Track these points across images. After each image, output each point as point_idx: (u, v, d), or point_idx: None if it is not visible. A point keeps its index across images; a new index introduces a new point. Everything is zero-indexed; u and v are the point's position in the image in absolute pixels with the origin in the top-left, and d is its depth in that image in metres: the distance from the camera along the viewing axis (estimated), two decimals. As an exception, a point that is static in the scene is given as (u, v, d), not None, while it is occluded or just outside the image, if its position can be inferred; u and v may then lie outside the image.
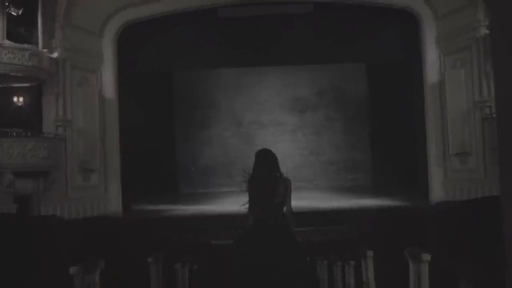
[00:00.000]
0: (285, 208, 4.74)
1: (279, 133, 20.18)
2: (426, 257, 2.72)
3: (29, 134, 11.93)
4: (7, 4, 11.79)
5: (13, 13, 11.89)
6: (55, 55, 12.70)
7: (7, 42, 11.68)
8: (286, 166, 18.30)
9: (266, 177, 4.76)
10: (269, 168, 4.88)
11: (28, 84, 12.84)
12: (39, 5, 12.51)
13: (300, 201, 14.66)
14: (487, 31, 12.47)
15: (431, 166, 13.93)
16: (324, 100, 20.17)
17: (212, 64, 16.13)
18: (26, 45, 11.98)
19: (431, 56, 13.97)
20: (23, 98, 12.80)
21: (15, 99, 12.72)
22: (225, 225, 11.97)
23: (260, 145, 20.25)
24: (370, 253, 3.53)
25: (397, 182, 16.65)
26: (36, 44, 12.41)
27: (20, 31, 12.35)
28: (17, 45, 11.79)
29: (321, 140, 20.16)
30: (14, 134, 11.64)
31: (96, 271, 3.75)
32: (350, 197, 15.29)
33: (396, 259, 3.42)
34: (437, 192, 13.80)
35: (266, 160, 4.97)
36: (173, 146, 19.15)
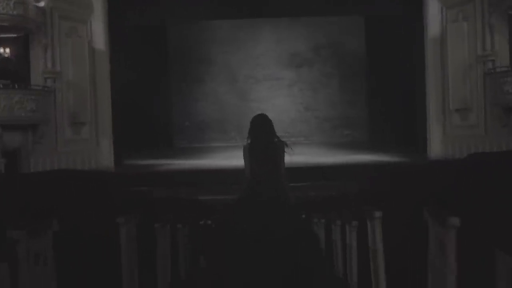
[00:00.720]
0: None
1: (275, 88, 19.60)
2: (455, 221, 2.23)
3: (16, 86, 11.33)
4: None
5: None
6: (42, 3, 11.98)
7: (-10, -11, 10.98)
8: (282, 121, 17.98)
9: (264, 148, 4.60)
10: (266, 136, 4.65)
11: (14, 35, 12.16)
12: (24, -51, 11.74)
13: (295, 156, 14.19)
14: (492, -18, 11.81)
15: (431, 122, 13.42)
16: (321, 55, 19.53)
17: (206, 16, 15.43)
18: (10, -7, 11.28)
19: (433, 9, 13.26)
20: (10, 49, 12.11)
21: (1, 50, 12.02)
22: (219, 180, 11.58)
23: (255, 100, 19.85)
24: (378, 214, 3.03)
25: (395, 139, 16.19)
26: (22, -9, 11.69)
27: (4, -23, 11.62)
28: (1, -8, 11.10)
29: (317, 96, 19.60)
30: (1, 86, 11.06)
31: (46, 234, 2.94)
32: (346, 153, 14.84)
33: (405, 220, 2.95)
34: (436, 148, 13.34)
35: (262, 127, 4.70)
36: (167, 101, 18.54)
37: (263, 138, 4.61)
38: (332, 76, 19.38)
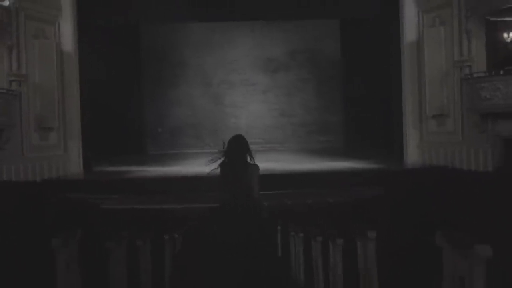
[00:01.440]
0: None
1: (250, 93, 19.17)
2: (485, 250, 1.76)
3: (-22, 89, 10.68)
4: None
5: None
6: (6, 3, 11.32)
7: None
8: (256, 127, 17.44)
9: (238, 170, 4.95)
10: (240, 159, 5.03)
11: (-22, 36, 11.51)
12: None
13: (271, 163, 13.91)
14: (469, -14, 11.54)
15: (407, 129, 13.10)
16: (296, 60, 19.16)
17: (180, 18, 14.86)
18: (-28, -9, 10.63)
19: (409, 13, 12.96)
20: (-27, 50, 11.47)
21: (-37, 51, 11.38)
22: (190, 187, 11.04)
23: (229, 105, 19.36)
24: (372, 234, 2.56)
25: (371, 145, 15.86)
26: (-15, -10, 11.05)
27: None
28: (-38, -10, 10.45)
29: (293, 102, 19.22)
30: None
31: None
32: (322, 159, 14.42)
33: (400, 240, 2.50)
34: (413, 154, 13.02)
35: (237, 150, 5.10)
36: (139, 105, 17.95)
37: (238, 161, 4.93)
38: (308, 81, 19.02)
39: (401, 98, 13.24)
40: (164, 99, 18.57)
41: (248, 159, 5.13)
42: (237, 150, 5.05)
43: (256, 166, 5.06)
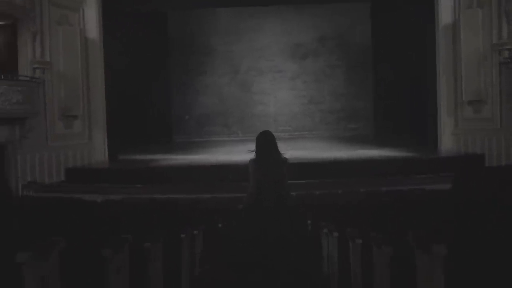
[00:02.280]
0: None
1: (278, 80, 18.56)
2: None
3: (2, 77, 10.32)
4: None
5: None
6: (29, -12, 10.99)
7: (-27, -28, 9.98)
8: (284, 115, 16.82)
9: (268, 165, 4.95)
10: (269, 154, 5.00)
11: (1, 22, 11.17)
12: None
13: (299, 151, 13.33)
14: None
15: (441, 115, 12.39)
16: (325, 46, 18.46)
17: (207, 3, 14.36)
18: (-5, -24, 10.28)
19: (445, -5, 12.22)
20: (-3, 37, 11.16)
21: (-13, 38, 11.08)
22: (218, 176, 10.60)
23: (257, 93, 18.80)
24: (439, 250, 1.96)
25: (401, 132, 15.16)
26: (8, -24, 10.69)
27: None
28: (-15, -24, 10.09)
29: (322, 88, 18.55)
30: (-17, 76, 10.06)
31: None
32: (351, 147, 13.80)
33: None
34: (447, 142, 12.34)
35: (265, 146, 5.02)
36: (166, 93, 17.50)
37: (267, 156, 4.91)
38: (337, 68, 18.34)
39: (435, 84, 12.53)
40: (191, 86, 18.11)
41: (276, 154, 5.05)
42: (265, 146, 4.97)
43: (285, 161, 5.00)
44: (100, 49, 12.37)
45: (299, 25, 18.30)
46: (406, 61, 14.67)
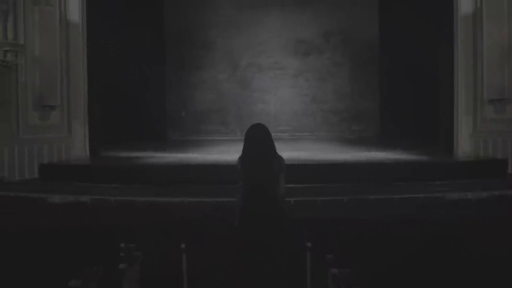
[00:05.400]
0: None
1: (279, 78, 16.95)
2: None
3: (-35, 59, 8.77)
4: None
5: None
6: (0, -39, 9.41)
7: None
8: (285, 114, 15.19)
9: (260, 162, 4.09)
10: (262, 149, 4.13)
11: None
12: None
13: (299, 152, 11.70)
14: None
15: (459, 115, 10.74)
16: (330, 43, 16.84)
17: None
18: None
19: (465, -19, 10.59)
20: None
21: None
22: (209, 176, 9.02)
23: (257, 90, 17.19)
24: None
25: (411, 134, 13.57)
26: None
27: None
28: None
29: (325, 87, 16.93)
30: None
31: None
32: (357, 149, 12.18)
33: None
34: (465, 145, 10.68)
35: (259, 142, 4.15)
36: (160, 87, 15.88)
37: (260, 154, 4.12)
38: (341, 65, 16.72)
39: (452, 81, 10.88)
40: (187, 82, 16.53)
41: (271, 152, 4.19)
42: (258, 142, 4.15)
43: (281, 159, 4.18)
44: (83, 34, 10.75)
45: (302, 19, 16.72)
46: (417, 58, 13.07)
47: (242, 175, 4.16)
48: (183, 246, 3.99)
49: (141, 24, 14.47)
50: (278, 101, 16.82)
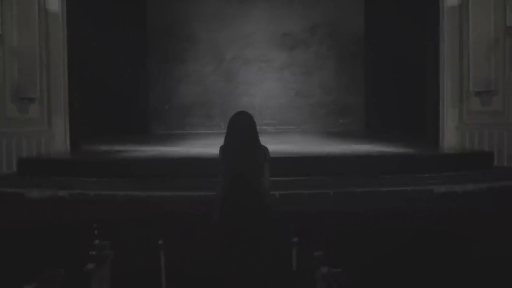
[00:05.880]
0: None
1: (264, 71, 16.69)
2: None
3: None
4: None
5: None
6: None
7: None
8: (271, 107, 14.99)
9: (244, 152, 3.86)
10: (246, 138, 3.90)
11: None
12: None
13: (284, 145, 11.51)
14: None
15: (445, 108, 10.63)
16: (316, 35, 16.62)
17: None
18: None
19: (451, -28, 10.45)
20: None
21: None
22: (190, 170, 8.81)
23: (242, 83, 16.93)
24: None
25: (397, 127, 13.45)
26: None
27: None
28: None
29: (311, 80, 16.72)
30: None
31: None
32: (343, 142, 12.03)
33: None
34: (450, 137, 10.58)
35: (243, 128, 3.92)
36: (143, 80, 15.57)
37: (244, 143, 3.90)
38: (327, 58, 16.51)
39: (437, 72, 10.76)
40: (171, 75, 16.23)
41: (256, 141, 3.98)
42: (242, 130, 3.93)
43: (266, 149, 3.98)
44: (63, 24, 10.43)
45: (289, 12, 16.49)
46: (403, 50, 12.94)
47: (223, 165, 3.94)
48: (160, 242, 3.75)
49: (124, 16, 14.17)
50: (264, 94, 16.58)
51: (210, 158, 8.60)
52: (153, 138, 13.91)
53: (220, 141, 4.19)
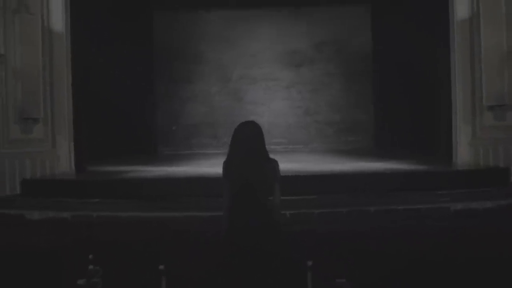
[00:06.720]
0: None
1: (272, 89, 16.48)
2: None
3: None
4: None
5: None
6: (-23, -32, 8.97)
7: None
8: (278, 126, 14.74)
9: (251, 166, 3.53)
10: (254, 150, 3.59)
11: None
12: None
13: (293, 163, 11.20)
14: None
15: (457, 123, 10.29)
16: (323, 53, 16.42)
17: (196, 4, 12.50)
18: None
19: (461, -15, 10.21)
20: None
21: None
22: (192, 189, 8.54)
23: (249, 102, 16.70)
24: None
25: (407, 144, 13.14)
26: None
27: None
28: None
29: (319, 99, 16.47)
30: None
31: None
32: (353, 160, 11.71)
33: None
34: (464, 154, 10.23)
35: (250, 139, 3.64)
36: (150, 101, 15.38)
37: (251, 156, 3.57)
38: (335, 76, 16.27)
39: (449, 87, 10.47)
40: (178, 95, 16.06)
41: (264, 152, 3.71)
42: (249, 140, 3.64)
43: (275, 162, 3.70)
44: (67, 44, 10.26)
45: (295, 30, 16.32)
46: (412, 66, 12.70)
47: (227, 179, 3.63)
48: (161, 267, 3.45)
49: (130, 36, 14.01)
50: (271, 113, 16.33)
51: (217, 177, 8.40)
52: (159, 159, 13.67)
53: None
